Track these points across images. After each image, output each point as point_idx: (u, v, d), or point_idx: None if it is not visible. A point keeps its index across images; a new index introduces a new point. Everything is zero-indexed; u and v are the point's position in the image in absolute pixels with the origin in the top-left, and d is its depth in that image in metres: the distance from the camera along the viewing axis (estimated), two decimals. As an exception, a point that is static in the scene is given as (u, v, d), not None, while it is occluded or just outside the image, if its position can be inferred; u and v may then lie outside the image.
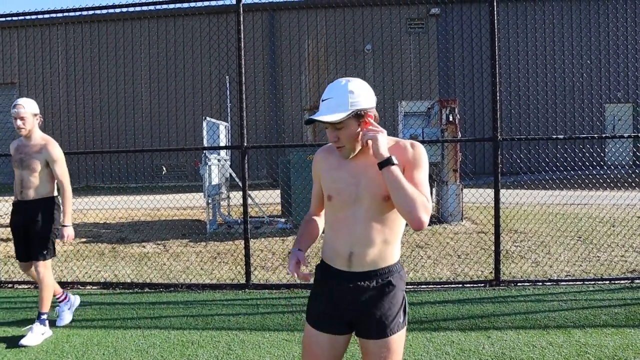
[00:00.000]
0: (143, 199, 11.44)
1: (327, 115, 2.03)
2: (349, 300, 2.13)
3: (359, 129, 2.07)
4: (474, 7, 21.15)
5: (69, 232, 4.54)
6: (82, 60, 22.64)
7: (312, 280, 2.28)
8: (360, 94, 2.05)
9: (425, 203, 1.94)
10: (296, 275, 2.17)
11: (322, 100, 2.08)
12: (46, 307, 4.48)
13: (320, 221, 2.40)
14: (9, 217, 4.70)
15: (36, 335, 4.33)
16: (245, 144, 5.92)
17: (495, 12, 5.70)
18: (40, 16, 8.08)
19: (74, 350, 4.12)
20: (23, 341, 4.25)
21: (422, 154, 2.08)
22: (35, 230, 4.48)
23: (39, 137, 4.55)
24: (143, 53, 22.04)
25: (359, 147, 2.11)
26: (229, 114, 13.02)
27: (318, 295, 2.25)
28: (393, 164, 1.98)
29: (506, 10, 21.10)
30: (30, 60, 23.00)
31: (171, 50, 21.78)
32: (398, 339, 2.12)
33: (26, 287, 6.11)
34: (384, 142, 2.03)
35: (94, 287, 6.01)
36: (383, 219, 2.09)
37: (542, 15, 21.13)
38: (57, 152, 4.51)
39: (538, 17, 21.17)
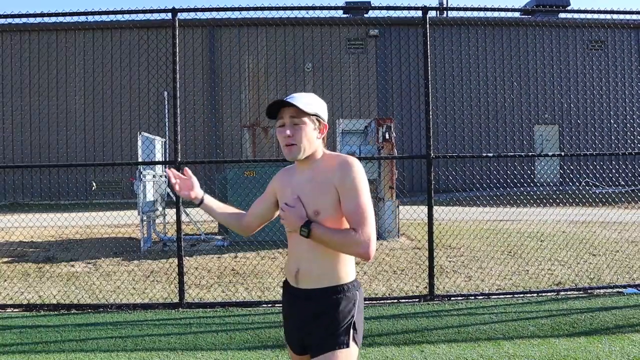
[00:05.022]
0: (74, 217, 10.96)
1: (298, 103, 2.07)
2: (296, 316, 2.15)
3: (317, 135, 2.13)
4: (411, 30, 21.76)
5: None
6: (11, 71, 21.63)
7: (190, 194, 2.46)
8: (321, 105, 2.17)
9: (359, 239, 1.96)
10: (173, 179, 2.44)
11: (287, 98, 2.10)
12: None
13: (239, 217, 2.46)
14: None
15: None
16: (180, 159, 5.78)
17: (428, 35, 5.87)
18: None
19: (-12, 378, 3.85)
20: None
21: (354, 174, 2.04)
22: None
23: None
24: (77, 65, 21.30)
25: (308, 152, 2.12)
26: (167, 130, 12.74)
27: (283, 311, 2.32)
28: (309, 229, 2.00)
29: (441, 33, 21.85)
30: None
31: (107, 63, 21.16)
32: (340, 357, 2.02)
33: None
34: (293, 218, 2.05)
35: (15, 310, 5.65)
36: None
37: (475, 40, 22.01)
38: None
39: (470, 42, 22.03)
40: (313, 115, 2.11)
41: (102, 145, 20.69)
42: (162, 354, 4.22)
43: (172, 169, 2.60)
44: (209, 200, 2.47)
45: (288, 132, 2.08)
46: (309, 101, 2.11)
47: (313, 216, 2.05)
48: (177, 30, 5.78)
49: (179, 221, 5.69)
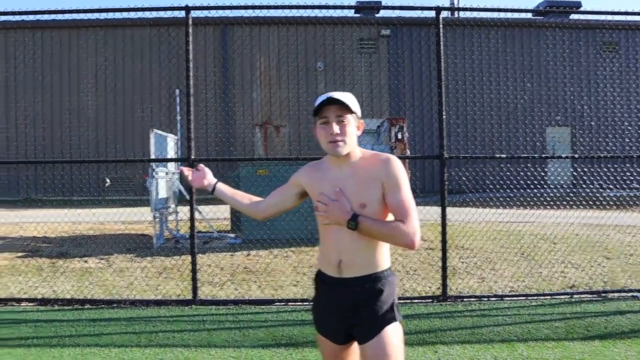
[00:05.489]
0: (87, 213, 11.01)
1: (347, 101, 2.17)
2: (341, 305, 2.23)
3: (357, 133, 2.25)
4: (423, 30, 21.68)
5: None
6: (24, 68, 21.79)
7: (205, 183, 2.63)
8: (357, 104, 2.27)
9: (406, 230, 2.09)
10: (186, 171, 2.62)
11: (328, 96, 2.18)
12: None
13: (253, 201, 2.59)
14: None
15: None
16: (193, 157, 5.79)
17: (442, 35, 5.84)
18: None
19: (5, 371, 3.89)
20: None
21: (398, 171, 2.18)
22: None
23: None
24: (89, 62, 21.42)
25: (350, 148, 2.21)
26: (179, 127, 12.72)
27: (318, 303, 2.38)
28: (357, 222, 2.11)
29: (453, 34, 21.75)
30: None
31: (120, 60, 21.24)
32: (392, 332, 2.17)
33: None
34: (337, 211, 2.15)
35: (29, 304, 5.70)
36: None
37: (487, 40, 21.89)
38: None
39: (483, 42, 21.91)
40: (354, 113, 2.22)
41: (114, 142, 20.77)
42: (176, 350, 4.24)
43: (183, 167, 2.77)
44: (222, 186, 2.63)
45: (336, 128, 2.17)
46: (350, 100, 2.20)
47: (359, 209, 2.16)
48: (190, 28, 5.79)
49: (192, 219, 5.71)
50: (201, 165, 2.67)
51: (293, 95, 21.22)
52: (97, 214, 10.50)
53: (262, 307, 5.49)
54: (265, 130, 21.57)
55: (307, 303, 5.45)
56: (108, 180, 17.90)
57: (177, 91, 12.48)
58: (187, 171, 2.65)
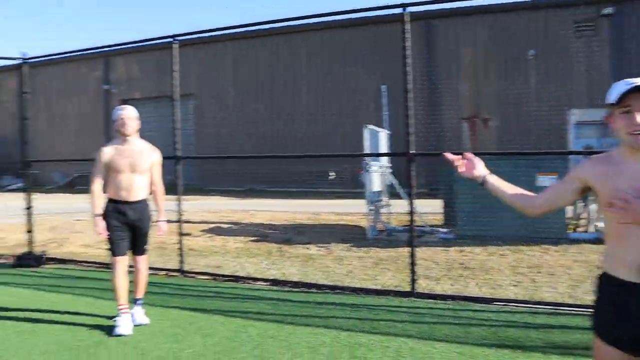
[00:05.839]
0: (303, 204, 11.93)
1: None
2: (635, 314, 2.04)
3: None
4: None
5: (164, 227, 5.03)
6: (248, 71, 24.38)
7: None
8: None
9: None
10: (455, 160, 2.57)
11: (636, 84, 2.03)
12: (142, 293, 5.00)
13: (527, 196, 2.43)
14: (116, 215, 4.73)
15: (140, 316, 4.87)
16: (412, 151, 5.85)
17: None
18: (212, 34, 8.95)
19: (251, 340, 4.39)
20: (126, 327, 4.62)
21: None
22: (142, 229, 4.81)
23: (142, 141, 4.90)
24: (304, 63, 23.07)
25: None
26: (387, 122, 12.91)
27: (604, 309, 2.19)
28: None
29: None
30: (206, 73, 25.32)
31: (335, 61, 22.36)
32: None
33: (206, 277, 6.67)
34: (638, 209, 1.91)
35: (264, 283, 6.37)
36: None
37: None
38: (160, 157, 4.98)
39: None
40: None
41: (328, 137, 21.93)
42: (399, 340, 4.35)
43: (448, 153, 2.71)
44: (493, 178, 2.51)
45: None
46: None
47: None
48: (407, 25, 5.86)
49: (412, 212, 5.79)
50: (470, 154, 2.61)
51: (501, 86, 20.21)
52: (312, 204, 11.29)
53: (482, 305, 5.35)
54: (472, 124, 20.96)
55: (529, 305, 5.19)
56: (332, 174, 19.03)
57: (384, 87, 12.66)
58: (455, 159, 2.59)
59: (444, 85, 21.08)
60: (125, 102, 27.88)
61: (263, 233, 10.23)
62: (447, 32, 21.03)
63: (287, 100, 23.42)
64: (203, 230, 10.61)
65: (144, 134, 4.97)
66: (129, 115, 4.71)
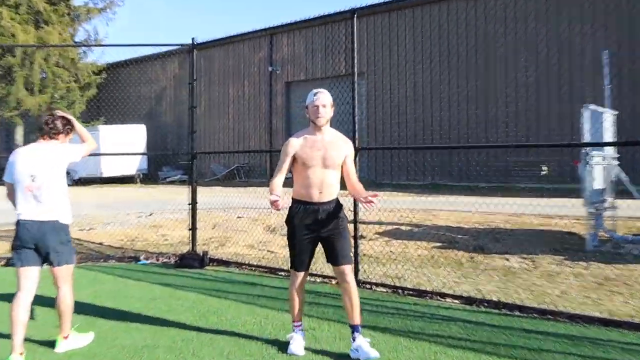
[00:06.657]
0: (498, 202, 11.26)
1: None
2: None
3: None
4: None
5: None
6: (430, 45, 23.92)
7: None
8: None
9: None
10: None
11: None
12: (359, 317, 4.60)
13: None
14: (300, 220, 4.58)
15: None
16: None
17: None
18: None
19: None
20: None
21: None
22: (340, 234, 4.56)
23: (333, 131, 4.67)
24: (499, 34, 22.00)
25: None
26: (609, 99, 11.51)
27: None
28: None
29: None
30: (377, 48, 25.47)
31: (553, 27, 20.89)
32: None
33: (384, 290, 6.57)
34: None
35: (455, 301, 6.09)
36: None
37: None
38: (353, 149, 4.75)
39: None
40: None
41: (537, 122, 20.60)
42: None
43: None
44: None
45: None
46: None
47: None
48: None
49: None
50: None
51: None
52: (508, 203, 10.63)
53: None
54: None
55: None
56: (545, 168, 17.89)
57: (605, 52, 11.28)
58: None
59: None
60: (288, 84, 29.33)
61: (450, 238, 9.89)
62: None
63: (477, 83, 22.58)
64: (378, 233, 10.59)
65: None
66: (325, 101, 4.53)
